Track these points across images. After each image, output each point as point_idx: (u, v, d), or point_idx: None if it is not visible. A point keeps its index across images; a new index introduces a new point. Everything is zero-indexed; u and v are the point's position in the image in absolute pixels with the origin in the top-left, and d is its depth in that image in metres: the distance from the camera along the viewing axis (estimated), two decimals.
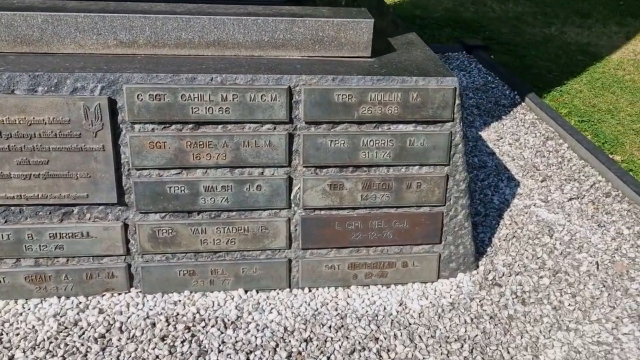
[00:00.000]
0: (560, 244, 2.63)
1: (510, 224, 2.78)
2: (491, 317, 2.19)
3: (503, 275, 2.41)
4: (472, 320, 2.18)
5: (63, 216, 2.09)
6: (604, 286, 2.37)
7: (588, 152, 3.39)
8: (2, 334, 1.99)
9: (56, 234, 2.09)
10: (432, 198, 2.25)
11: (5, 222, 2.06)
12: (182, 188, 2.10)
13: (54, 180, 2.03)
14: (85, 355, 1.92)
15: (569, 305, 2.26)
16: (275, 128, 2.08)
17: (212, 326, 2.07)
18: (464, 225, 2.33)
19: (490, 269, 2.44)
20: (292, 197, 2.17)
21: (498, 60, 5.01)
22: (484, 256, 2.52)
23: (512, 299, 2.29)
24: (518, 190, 3.10)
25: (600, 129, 3.96)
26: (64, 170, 2.02)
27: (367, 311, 2.20)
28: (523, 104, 4.19)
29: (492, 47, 5.35)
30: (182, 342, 1.99)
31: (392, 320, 2.16)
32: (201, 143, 2.05)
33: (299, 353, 1.98)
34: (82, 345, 1.96)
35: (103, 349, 1.95)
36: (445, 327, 2.13)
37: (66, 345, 1.96)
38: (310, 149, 2.11)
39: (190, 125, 2.04)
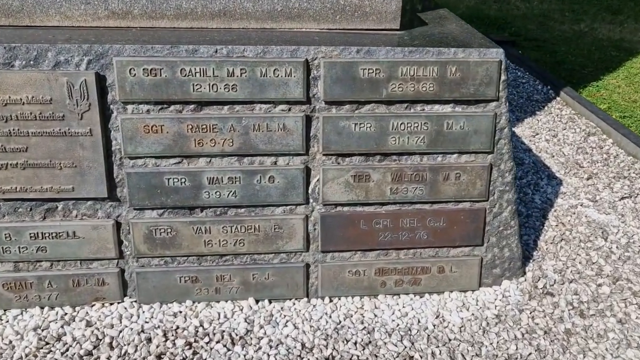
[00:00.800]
0: (617, 247, 2.29)
1: (556, 225, 2.45)
2: (545, 332, 1.86)
3: (555, 282, 2.08)
4: (523, 335, 1.84)
5: (46, 213, 1.80)
6: None
7: (637, 147, 3.05)
8: None
9: (38, 233, 1.81)
10: (473, 192, 1.93)
11: None
12: (183, 180, 1.80)
13: (34, 171, 1.75)
14: None
15: (637, 318, 1.92)
16: (290, 109, 1.79)
17: (218, 342, 1.76)
18: (510, 224, 2.01)
19: (539, 276, 2.10)
20: (310, 191, 1.87)
21: (527, 56, 4.70)
22: (531, 261, 2.19)
23: (569, 310, 1.95)
24: (561, 188, 2.77)
25: None
26: (45, 159, 1.74)
27: (398, 325, 1.87)
28: (558, 99, 3.86)
29: (520, 43, 5.04)
30: None
31: (429, 336, 1.83)
32: (204, 127, 1.76)
33: None
34: None
35: None
36: (492, 344, 1.80)
37: None
38: (331, 133, 1.81)
39: (192, 106, 1.75)
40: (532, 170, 2.93)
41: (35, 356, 1.69)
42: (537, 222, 2.46)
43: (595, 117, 3.44)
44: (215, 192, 1.83)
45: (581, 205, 2.62)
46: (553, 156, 3.10)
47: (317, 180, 1.86)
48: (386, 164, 1.87)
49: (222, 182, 1.82)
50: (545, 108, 3.72)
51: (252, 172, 1.82)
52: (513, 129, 3.43)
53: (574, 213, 2.54)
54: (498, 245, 2.02)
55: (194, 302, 1.92)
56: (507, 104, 1.88)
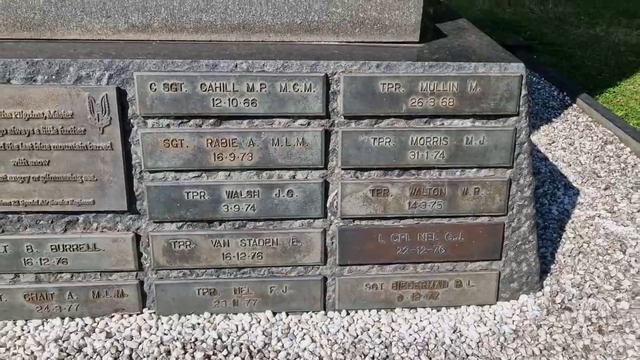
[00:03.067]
0: (636, 260, 2.27)
1: (574, 237, 2.43)
2: (564, 349, 1.85)
3: (573, 297, 2.06)
4: (541, 352, 1.83)
5: (67, 225, 1.82)
6: None
7: None
8: None
9: (59, 245, 1.83)
10: (492, 206, 1.92)
11: (2, 232, 1.81)
12: (202, 193, 1.81)
13: (56, 184, 1.77)
14: None
15: None
16: (309, 124, 1.79)
17: (236, 355, 1.77)
18: (529, 239, 2.00)
19: (557, 290, 2.09)
20: (328, 205, 1.87)
21: (543, 61, 4.66)
22: (548, 275, 2.18)
23: (587, 326, 1.94)
24: (578, 199, 2.74)
25: None
26: (67, 173, 1.76)
27: (415, 339, 1.87)
28: (574, 105, 3.82)
29: (535, 48, 5.00)
30: None
31: (446, 351, 1.83)
32: (224, 141, 1.77)
33: None
34: None
35: None
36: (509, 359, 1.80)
37: None
38: (350, 148, 1.81)
39: (212, 120, 1.76)
40: (549, 179, 2.91)
41: None
42: (554, 234, 2.44)
43: (613, 124, 3.40)
44: (234, 206, 1.83)
45: (599, 216, 2.59)
46: (570, 165, 3.08)
47: (336, 194, 1.86)
48: (405, 179, 1.87)
49: (241, 195, 1.83)
50: (562, 115, 3.69)
51: (271, 186, 1.83)
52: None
53: (592, 225, 2.52)
54: (516, 260, 2.01)
55: (212, 314, 1.93)
56: (528, 118, 1.87)
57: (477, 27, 2.35)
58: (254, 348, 1.81)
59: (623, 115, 3.80)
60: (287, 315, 1.95)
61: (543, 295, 2.07)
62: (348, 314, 1.97)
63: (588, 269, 2.23)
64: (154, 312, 1.91)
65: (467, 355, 1.81)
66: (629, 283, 2.15)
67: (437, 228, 1.93)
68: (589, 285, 2.13)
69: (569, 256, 2.30)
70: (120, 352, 1.77)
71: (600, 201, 2.73)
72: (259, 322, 1.91)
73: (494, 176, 1.90)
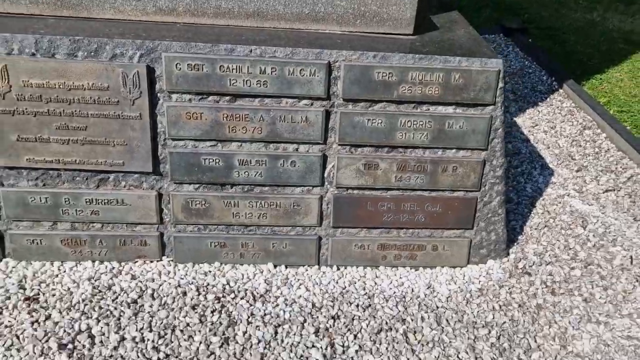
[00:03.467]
0: (593, 235, 2.58)
1: (542, 213, 2.73)
2: (520, 306, 2.17)
3: (533, 264, 2.38)
4: (500, 307, 2.16)
5: (99, 182, 2.12)
6: (637, 281, 2.32)
7: (627, 144, 3.29)
8: (39, 294, 2.05)
9: (92, 199, 2.13)
10: (467, 183, 2.21)
11: (44, 185, 2.10)
12: (217, 160, 2.10)
13: (92, 147, 2.05)
14: (119, 319, 1.97)
15: (600, 298, 2.22)
16: (312, 104, 2.06)
17: (242, 298, 2.10)
18: (498, 212, 2.30)
19: (520, 257, 2.41)
20: (325, 175, 2.16)
21: (538, 44, 4.87)
22: (515, 244, 2.49)
23: (542, 288, 2.26)
24: (552, 179, 3.04)
25: None
26: (101, 137, 2.04)
27: (395, 292, 2.20)
28: (561, 90, 4.08)
29: (532, 31, 5.20)
30: (212, 312, 2.02)
31: (420, 303, 2.15)
32: (237, 116, 2.05)
33: (327, 329, 2.00)
34: (116, 309, 2.00)
35: (135, 314, 1.99)
36: (472, 313, 2.12)
37: (100, 308, 2.00)
38: (346, 127, 2.09)
39: (228, 98, 2.03)
40: (528, 160, 3.19)
41: (91, 301, 2.03)
42: (525, 210, 2.74)
43: (592, 111, 3.66)
44: (244, 172, 2.12)
45: (568, 195, 2.89)
46: (549, 147, 3.36)
47: (332, 166, 2.15)
48: (393, 155, 2.15)
49: (251, 163, 2.11)
50: (548, 99, 3.95)
51: (277, 157, 2.11)
52: (515, 119, 3.67)
53: (560, 202, 2.82)
54: (486, 230, 2.32)
55: (221, 263, 2.24)
56: (503, 108, 2.14)
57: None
58: (257, 293, 2.13)
59: (605, 102, 4.05)
60: (286, 267, 2.27)
61: (508, 261, 2.39)
62: (338, 269, 2.29)
63: (550, 240, 2.54)
64: (172, 260, 2.23)
65: (437, 307, 2.14)
66: (584, 254, 2.46)
67: (418, 199, 2.23)
68: (549, 255, 2.44)
69: (535, 229, 2.61)
70: (144, 291, 2.09)
71: (571, 182, 3.02)
72: (262, 272, 2.23)
73: (470, 157, 2.18)
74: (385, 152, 2.15)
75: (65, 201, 2.12)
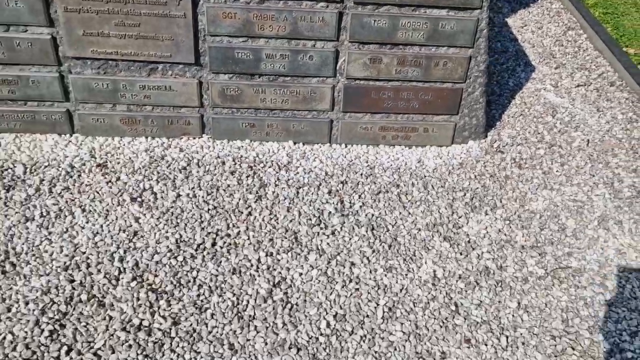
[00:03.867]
0: (560, 123, 3.06)
1: (520, 104, 3.20)
2: (491, 176, 2.71)
3: (507, 145, 2.89)
4: (475, 177, 2.69)
5: (150, 71, 2.54)
6: (590, 159, 2.85)
7: (603, 44, 3.68)
8: (106, 162, 2.56)
9: (144, 86, 2.57)
10: (455, 75, 2.65)
11: (105, 73, 2.53)
12: (248, 54, 2.52)
13: (144, 41, 2.46)
14: (174, 180, 2.50)
15: (557, 171, 2.76)
16: (328, 6, 2.44)
17: (269, 167, 2.62)
18: (479, 101, 2.76)
19: (496, 139, 2.91)
20: (337, 68, 2.59)
21: None
22: (493, 129, 2.98)
23: (511, 163, 2.78)
24: (532, 75, 3.46)
25: (621, 22, 4.18)
26: (152, 33, 2.44)
27: (391, 165, 2.72)
28: None
29: None
30: (247, 176, 2.55)
31: (411, 173, 2.68)
32: (265, 16, 2.43)
33: (337, 191, 2.54)
34: (170, 173, 2.53)
35: (186, 177, 2.52)
36: (453, 181, 2.66)
37: (158, 172, 2.53)
38: (356, 26, 2.48)
39: (257, 0, 2.41)
40: (513, 57, 3.59)
41: (149, 167, 2.55)
42: (506, 101, 3.20)
43: (578, 13, 4.00)
44: (270, 64, 2.54)
45: (544, 89, 3.34)
46: (534, 46, 3.74)
47: (343, 60, 2.57)
48: (394, 52, 2.57)
49: (276, 57, 2.53)
50: (539, 1, 4.25)
51: (297, 51, 2.53)
52: (506, 19, 4.01)
53: (537, 95, 3.27)
54: (469, 115, 2.79)
55: (251, 140, 2.74)
56: (488, 11, 2.52)
57: None
58: (281, 164, 2.65)
59: (593, 4, 4.35)
60: (304, 144, 2.77)
61: (485, 142, 2.89)
62: (346, 146, 2.79)
63: (523, 126, 3.02)
64: (211, 137, 2.72)
65: (425, 176, 2.67)
66: (550, 138, 2.96)
67: (414, 89, 2.68)
68: (520, 138, 2.94)
69: (512, 117, 3.09)
70: (191, 160, 2.60)
71: (549, 77, 3.45)
72: (284, 148, 2.73)
73: (458, 53, 2.60)
74: (387, 48, 2.56)
75: (123, 87, 2.56)
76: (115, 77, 2.54)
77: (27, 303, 1.99)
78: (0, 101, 2.54)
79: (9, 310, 1.96)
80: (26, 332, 1.90)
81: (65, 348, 1.87)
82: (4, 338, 1.88)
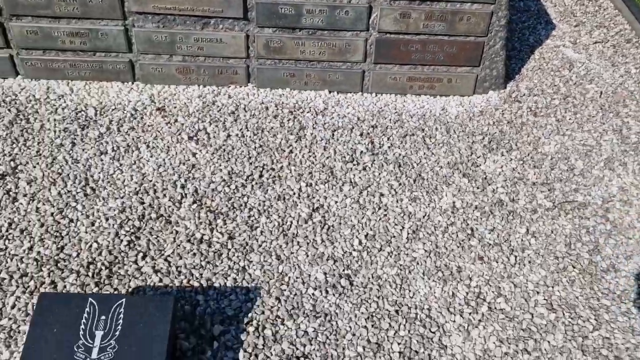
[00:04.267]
0: (576, 76, 3.29)
1: (538, 58, 3.42)
2: (508, 122, 2.97)
3: (524, 95, 3.14)
4: (493, 123, 2.96)
5: (203, 25, 2.85)
6: (601, 109, 3.08)
7: (623, 3, 3.84)
8: (164, 106, 2.91)
9: (198, 38, 2.88)
10: (478, 30, 2.89)
11: (164, 27, 2.85)
12: (290, 9, 2.80)
13: None
14: (224, 122, 2.84)
15: (569, 119, 3.01)
16: None
17: (307, 112, 2.93)
18: (500, 54, 3.00)
19: (514, 90, 3.16)
20: (370, 22, 2.86)
21: None
22: (512, 81, 3.23)
23: (527, 112, 3.04)
24: (552, 32, 3.66)
25: None
26: None
27: (417, 112, 3.00)
28: None
29: None
30: (288, 120, 2.87)
31: (435, 119, 2.96)
32: None
33: (368, 134, 2.85)
34: (221, 116, 2.87)
35: (235, 120, 2.85)
36: (473, 126, 2.94)
37: (210, 116, 2.86)
38: None
39: None
40: (535, 16, 3.79)
41: (202, 111, 2.88)
42: (525, 56, 3.43)
43: None
44: (310, 19, 2.83)
45: (563, 45, 3.54)
46: (555, 5, 3.92)
47: (376, 15, 2.84)
48: (422, 7, 2.82)
49: (315, 12, 2.81)
50: None
51: (335, 7, 2.80)
52: None
53: (555, 51, 3.49)
54: (489, 67, 3.04)
55: (291, 89, 3.05)
56: None
57: None
58: (318, 110, 2.95)
59: None
60: (338, 93, 3.07)
61: (504, 92, 3.14)
62: (376, 95, 3.08)
63: (540, 79, 3.26)
64: (255, 85, 3.03)
65: (448, 122, 2.95)
66: (565, 89, 3.19)
67: (439, 42, 2.93)
68: (537, 89, 3.18)
69: (530, 71, 3.32)
70: (238, 106, 2.93)
71: (568, 35, 3.65)
72: (320, 96, 3.04)
73: (481, 9, 2.84)
74: (416, 4, 2.82)
75: (179, 39, 2.88)
76: (172, 30, 2.85)
77: (107, 219, 2.37)
78: (73, 52, 2.90)
79: (92, 224, 2.35)
80: (108, 241, 2.29)
81: (141, 254, 2.25)
82: (91, 246, 2.27)
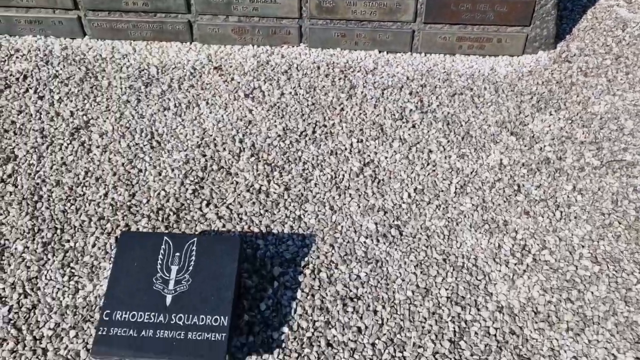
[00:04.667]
0: (629, 36, 3.25)
1: (591, 19, 3.38)
2: (557, 82, 2.99)
3: (575, 55, 3.13)
4: (542, 83, 2.98)
5: None
6: None
7: None
8: (221, 65, 3.04)
9: None
10: None
11: None
12: None
13: None
14: (278, 81, 2.95)
15: (621, 79, 2.99)
16: None
17: (358, 71, 3.02)
18: (550, 13, 2.99)
19: (565, 50, 3.15)
20: None
21: None
22: (563, 41, 3.21)
23: (577, 72, 3.04)
24: None
25: None
26: None
27: (466, 72, 3.05)
28: None
29: None
30: (339, 79, 2.97)
31: (484, 79, 3.01)
32: None
33: (417, 92, 2.92)
34: (275, 75, 2.98)
35: (288, 79, 2.97)
36: (521, 85, 2.97)
37: (264, 75, 2.99)
38: None
39: None
40: None
41: (257, 70, 3.01)
42: (577, 16, 3.39)
43: None
44: None
45: (617, 5, 3.48)
46: None
47: None
48: None
49: None
50: None
51: None
52: None
53: (609, 11, 3.43)
54: (540, 27, 3.04)
55: (342, 49, 3.13)
56: None
57: None
58: (368, 69, 3.04)
59: None
60: (387, 53, 3.13)
61: (554, 52, 3.14)
62: (425, 55, 3.13)
63: (592, 39, 3.23)
64: (307, 45, 3.13)
65: (496, 82, 2.99)
66: (617, 50, 3.17)
67: (490, 1, 2.95)
68: (588, 49, 3.17)
69: (582, 31, 3.30)
70: (291, 65, 3.04)
71: None
72: (370, 56, 3.11)
73: None
74: None
75: (235, 0, 2.99)
76: None
77: (172, 170, 2.55)
78: (135, 13, 3.05)
79: (159, 174, 2.53)
80: (175, 189, 2.47)
81: (205, 202, 2.42)
82: (159, 193, 2.45)
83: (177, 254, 1.95)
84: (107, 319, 1.81)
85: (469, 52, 3.12)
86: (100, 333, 1.79)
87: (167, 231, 2.30)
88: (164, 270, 1.91)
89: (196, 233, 2.11)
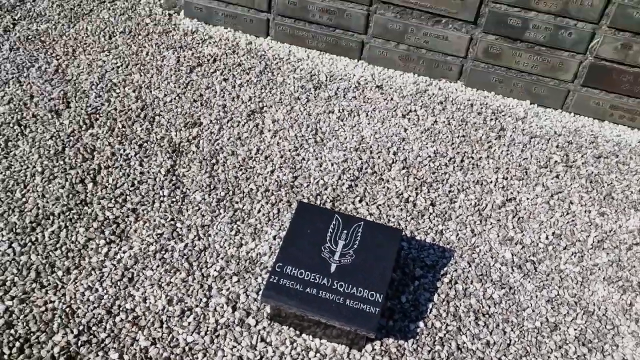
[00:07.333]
0: None
1: None
2: None
3: None
4: None
5: (435, 22, 3.24)
6: None
7: None
8: (382, 85, 3.33)
9: (427, 33, 3.28)
10: None
11: (400, 17, 3.28)
12: (518, 22, 3.10)
13: None
14: (433, 109, 3.20)
15: None
16: None
17: (509, 117, 3.21)
18: None
19: None
20: (589, 47, 3.07)
21: None
22: None
23: None
24: None
25: None
26: None
27: (613, 139, 3.16)
28: None
29: None
30: (491, 119, 3.18)
31: (631, 149, 3.10)
32: None
33: (564, 147, 3.06)
34: (431, 104, 3.24)
35: (443, 109, 3.20)
36: None
37: (421, 101, 3.24)
38: (618, 15, 2.94)
39: None
40: None
41: (415, 96, 3.27)
42: None
43: None
44: (534, 34, 3.11)
45: None
46: None
47: (597, 42, 3.05)
48: None
49: (540, 28, 3.08)
50: None
51: (560, 27, 3.05)
52: None
53: None
54: None
55: (496, 93, 3.35)
56: None
57: None
58: (518, 117, 3.22)
59: None
60: (538, 106, 3.31)
61: None
62: (574, 115, 3.28)
63: None
64: (464, 84, 3.37)
65: None
66: None
67: None
68: None
69: None
70: (447, 98, 3.28)
71: None
72: (521, 105, 3.30)
73: None
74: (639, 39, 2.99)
75: (410, 30, 3.29)
76: (407, 22, 3.27)
77: (332, 164, 2.82)
78: (318, 25, 3.42)
79: (320, 165, 2.81)
80: (333, 181, 2.73)
81: (358, 198, 2.67)
82: (318, 181, 2.73)
83: (345, 231, 2.18)
84: (279, 270, 2.06)
85: (619, 121, 3.24)
86: (271, 280, 2.04)
87: None
88: (332, 242, 2.15)
89: (363, 218, 2.34)
